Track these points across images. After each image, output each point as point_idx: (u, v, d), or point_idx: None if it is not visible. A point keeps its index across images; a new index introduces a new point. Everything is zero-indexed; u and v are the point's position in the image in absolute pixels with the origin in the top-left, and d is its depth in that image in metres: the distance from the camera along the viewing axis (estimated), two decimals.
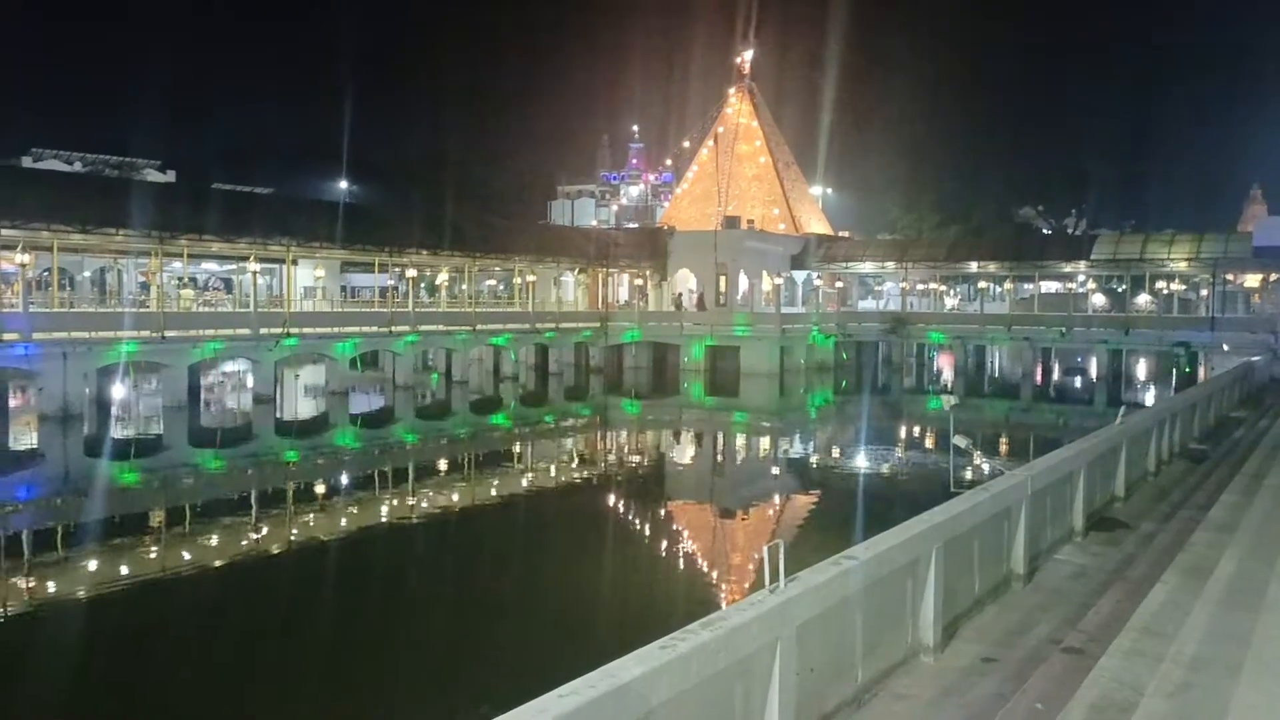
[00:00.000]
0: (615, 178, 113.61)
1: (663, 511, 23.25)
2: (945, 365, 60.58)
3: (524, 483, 26.93)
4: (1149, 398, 45.07)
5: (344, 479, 27.14)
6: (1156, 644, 6.24)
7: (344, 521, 21.37)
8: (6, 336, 30.84)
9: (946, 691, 6.28)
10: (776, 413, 44.16)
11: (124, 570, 17.04)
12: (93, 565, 17.28)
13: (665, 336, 54.65)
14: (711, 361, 52.99)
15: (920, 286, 61.87)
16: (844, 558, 5.67)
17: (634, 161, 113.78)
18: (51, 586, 16.21)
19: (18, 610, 14.85)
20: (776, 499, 25.03)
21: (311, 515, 22.12)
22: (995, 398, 49.47)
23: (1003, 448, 30.88)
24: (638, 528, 21.48)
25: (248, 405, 39.70)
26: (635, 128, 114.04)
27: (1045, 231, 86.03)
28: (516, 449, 33.64)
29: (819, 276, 62.39)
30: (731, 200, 65.89)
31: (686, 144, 72.63)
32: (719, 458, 33.23)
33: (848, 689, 5.83)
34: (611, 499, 24.71)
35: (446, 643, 13.07)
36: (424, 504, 23.66)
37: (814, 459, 31.86)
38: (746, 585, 15.29)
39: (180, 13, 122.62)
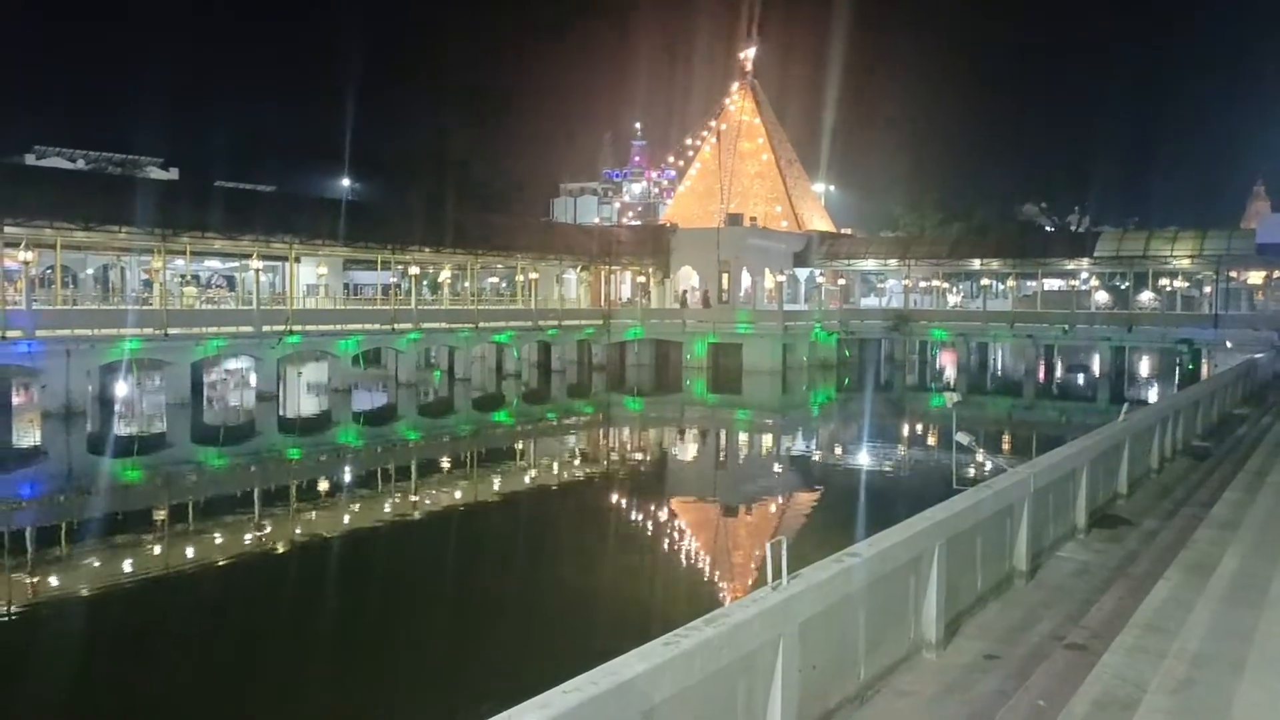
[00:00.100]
0: (618, 175, 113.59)
1: (665, 509, 23.25)
2: (948, 363, 60.51)
3: (527, 480, 26.94)
4: (1152, 395, 45.02)
5: (347, 477, 27.17)
6: (1159, 640, 6.24)
7: (347, 519, 21.38)
8: (10, 334, 30.89)
9: (949, 688, 6.28)
10: (779, 410, 44.16)
11: (127, 567, 17.07)
12: (96, 562, 17.31)
13: (668, 334, 54.64)
14: (714, 359, 52.99)
15: (923, 284, 61.80)
16: (846, 555, 5.67)
17: (636, 159, 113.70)
18: (55, 583, 16.23)
19: (22, 607, 14.88)
20: (779, 496, 25.03)
21: (314, 513, 22.14)
22: (998, 395, 49.43)
23: (1005, 445, 30.88)
24: (640, 525, 21.49)
25: (250, 403, 39.75)
26: (638, 125, 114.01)
27: (1048, 228, 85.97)
28: (519, 446, 33.65)
29: (822, 274, 62.32)
30: (734, 197, 65.85)
31: (689, 141, 72.61)
32: (721, 455, 33.23)
33: (850, 686, 5.83)
34: (614, 496, 24.72)
35: (449, 639, 13.09)
36: (427, 502, 23.69)
37: (816, 456, 31.85)
38: (749, 582, 15.31)
39: (182, 11, 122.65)
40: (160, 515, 21.42)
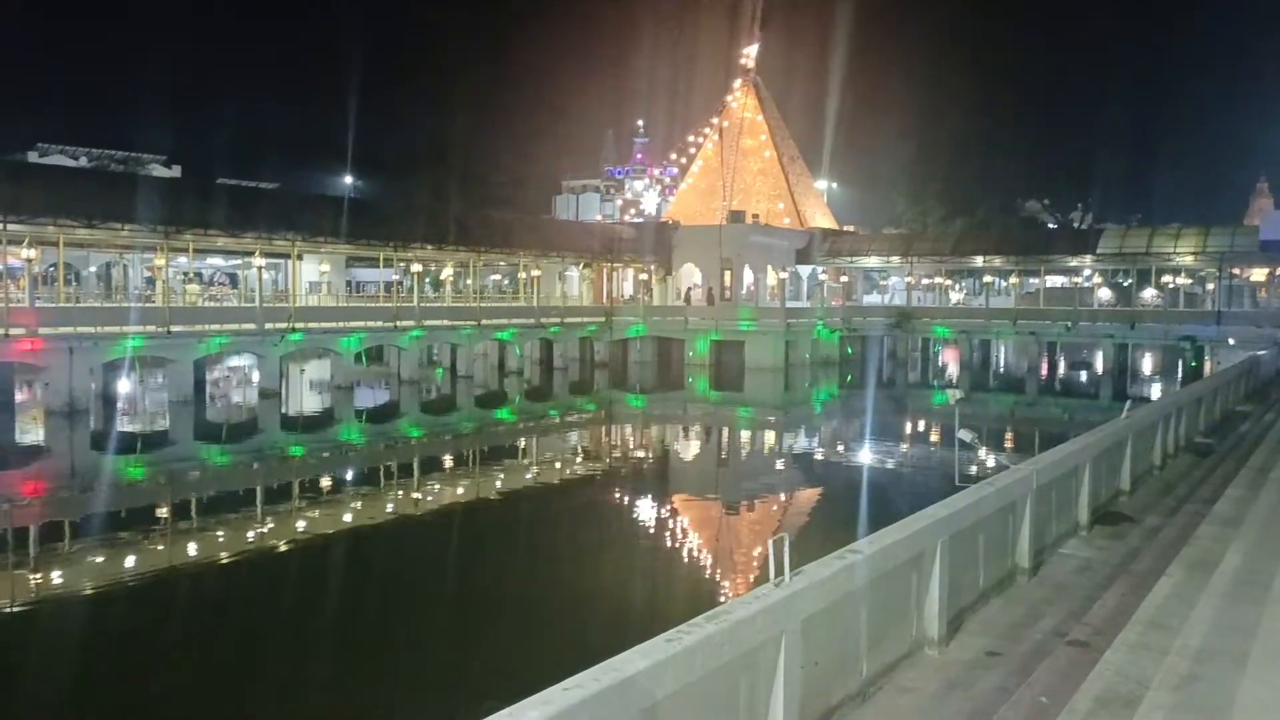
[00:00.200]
0: (620, 172, 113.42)
1: (668, 506, 23.27)
2: (950, 360, 60.52)
3: (529, 477, 26.96)
4: (1155, 392, 44.98)
5: (349, 474, 27.20)
6: (1162, 637, 6.24)
7: (349, 517, 21.40)
8: (13, 331, 30.93)
9: (951, 685, 6.28)
10: (781, 407, 44.15)
11: (130, 565, 17.10)
12: (99, 560, 17.33)
13: (670, 331, 54.62)
14: (716, 356, 52.98)
15: (925, 281, 61.78)
16: (849, 552, 5.67)
17: (639, 156, 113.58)
18: (58, 581, 16.26)
19: (25, 604, 14.91)
20: (781, 493, 25.03)
21: (317, 511, 22.17)
22: (1000, 392, 49.37)
23: (1008, 442, 30.85)
24: (643, 522, 21.51)
25: (253, 400, 39.80)
26: (640, 122, 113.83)
27: (1051, 225, 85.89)
28: (521, 444, 33.66)
29: (824, 271, 62.30)
30: (736, 195, 65.84)
31: (691, 138, 72.55)
32: (723, 452, 33.23)
33: (852, 683, 5.83)
34: (616, 494, 24.73)
35: (451, 636, 13.10)
36: (429, 499, 23.71)
37: (819, 453, 31.85)
38: (751, 579, 15.31)
39: (184, 9, 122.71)
40: (163, 513, 21.46)
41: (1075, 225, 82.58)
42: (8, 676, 11.71)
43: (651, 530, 20.67)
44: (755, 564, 16.46)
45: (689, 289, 59.55)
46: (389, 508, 22.68)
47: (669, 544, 19.72)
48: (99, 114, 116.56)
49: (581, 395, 46.43)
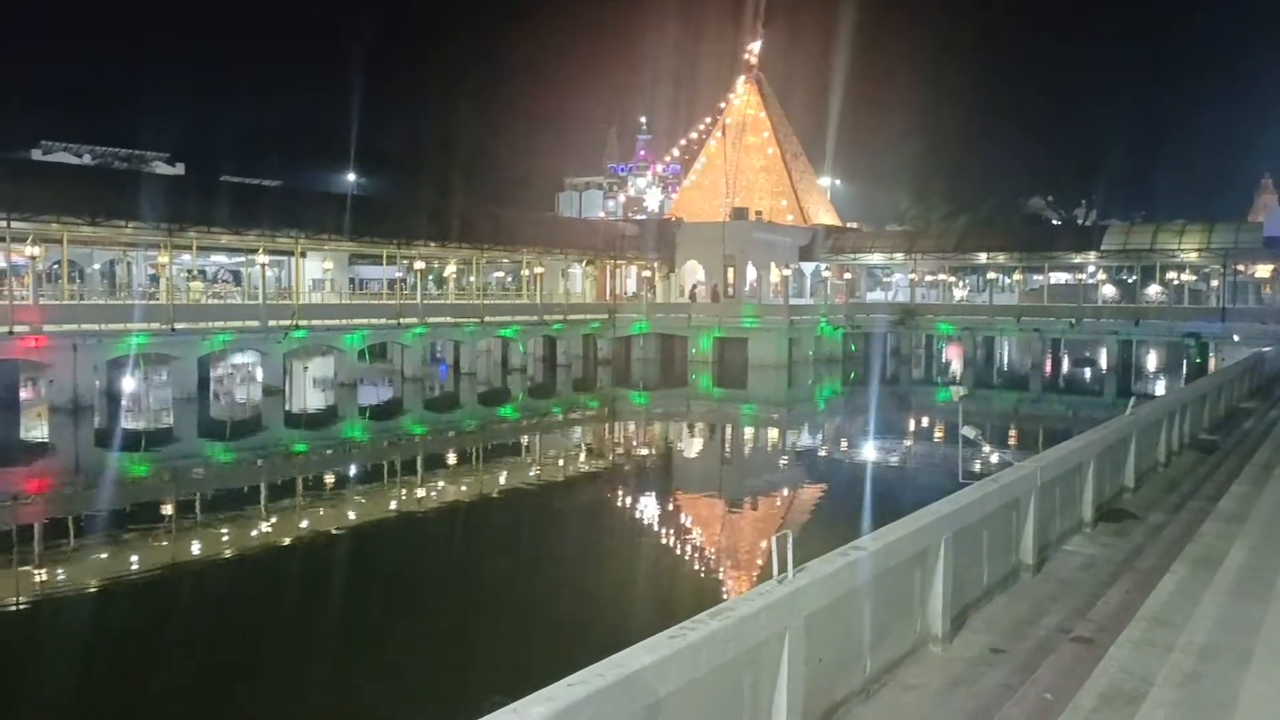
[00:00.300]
0: (623, 169, 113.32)
1: (671, 503, 23.28)
2: (954, 357, 60.47)
3: (532, 474, 26.98)
4: (1159, 389, 44.92)
5: (353, 471, 27.23)
6: (1166, 634, 6.23)
7: (353, 514, 21.44)
8: (17, 329, 30.98)
9: (955, 681, 6.28)
10: (785, 404, 44.14)
11: (133, 561, 17.13)
12: (102, 556, 17.37)
13: (673, 328, 54.61)
14: (719, 353, 52.95)
15: (929, 278, 61.72)
16: (852, 548, 5.66)
17: (642, 153, 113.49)
18: (63, 577, 16.30)
19: (29, 600, 14.95)
20: (785, 490, 25.02)
21: (321, 507, 22.20)
22: (1004, 389, 49.35)
23: (1012, 439, 30.83)
24: (646, 519, 21.52)
25: (257, 397, 39.84)
26: (643, 119, 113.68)
27: (1055, 222, 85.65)
28: (525, 441, 33.69)
29: (827, 268, 62.29)
30: (739, 192, 65.80)
31: (695, 135, 72.49)
32: (727, 449, 33.23)
33: (856, 679, 5.83)
34: (620, 490, 24.74)
35: (455, 632, 13.12)
36: (433, 495, 23.74)
37: (822, 450, 31.85)
38: (755, 575, 15.32)
39: (188, 5, 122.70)
40: (167, 510, 21.49)
41: (1079, 222, 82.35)
42: (14, 673, 11.73)
43: (655, 527, 20.68)
44: (759, 560, 16.47)
45: (694, 286, 59.52)
46: (393, 505, 22.71)
47: (672, 540, 19.72)
48: (102, 111, 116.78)
49: (584, 392, 46.45)
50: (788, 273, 57.08)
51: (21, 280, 37.44)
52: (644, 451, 32.23)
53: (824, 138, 76.45)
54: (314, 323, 40.16)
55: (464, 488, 24.79)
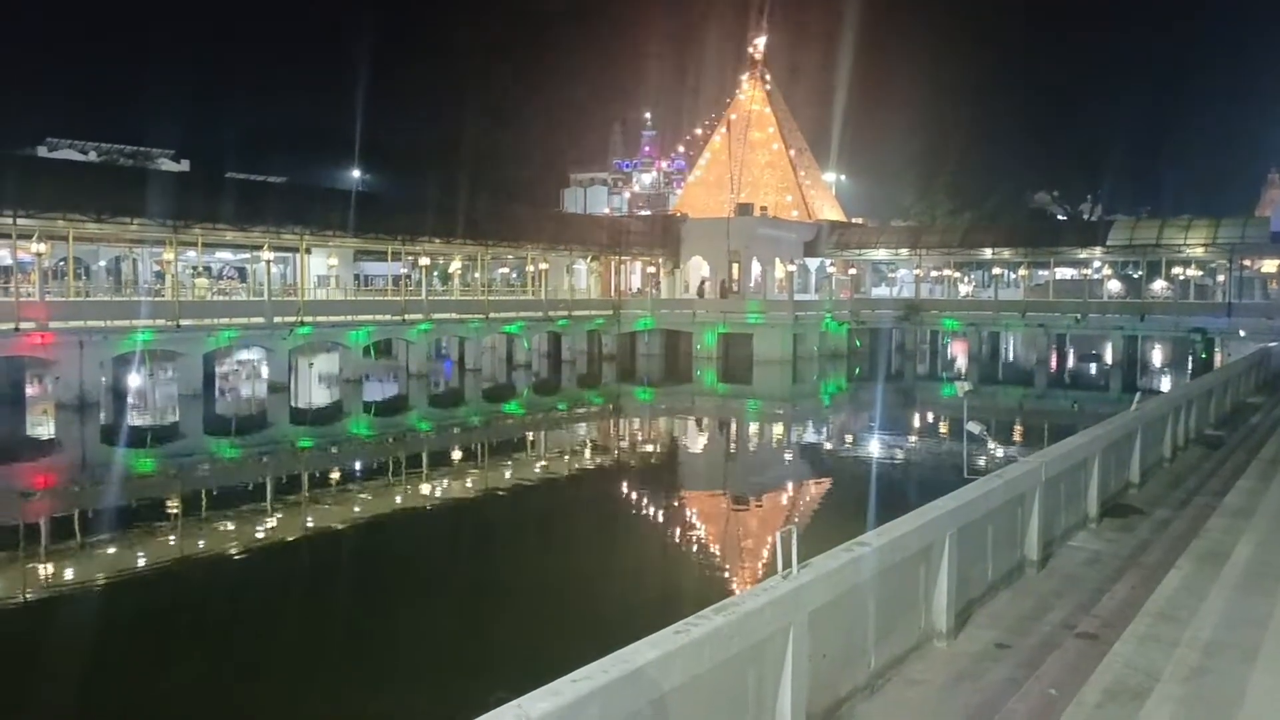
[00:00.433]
0: (628, 165, 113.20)
1: (676, 498, 23.28)
2: (959, 352, 60.36)
3: (537, 470, 27.00)
4: (1165, 384, 44.82)
5: (359, 467, 27.26)
6: (1171, 629, 6.22)
7: (358, 509, 21.47)
8: (23, 325, 31.07)
9: (960, 677, 6.28)
10: (789, 400, 44.12)
11: (139, 557, 17.19)
12: (109, 551, 17.44)
13: (678, 324, 54.60)
14: (724, 349, 52.94)
15: (934, 273, 61.60)
16: (857, 544, 5.66)
17: (647, 149, 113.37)
18: (69, 572, 16.36)
19: (37, 595, 15.01)
20: (790, 485, 25.02)
21: (327, 503, 22.23)
22: (1009, 384, 49.26)
23: (1017, 434, 30.77)
24: (651, 514, 21.53)
25: (262, 393, 39.92)
26: (648, 115, 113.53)
27: (1060, 217, 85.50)
28: (529, 437, 33.71)
29: (832, 263, 62.21)
30: (744, 187, 65.74)
31: (699, 131, 72.40)
32: (732, 445, 33.23)
33: (860, 675, 5.83)
34: (624, 486, 24.76)
35: (460, 627, 13.13)
36: (437, 492, 23.77)
37: (827, 446, 31.83)
38: (760, 571, 15.31)
39: (193, 2, 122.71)
40: (173, 505, 21.53)
41: (1085, 217, 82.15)
42: (20, 666, 11.77)
43: (659, 522, 20.68)
44: (763, 556, 16.47)
45: (701, 281, 59.50)
46: (398, 500, 22.74)
47: (677, 536, 19.73)
48: (108, 108, 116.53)
49: (589, 388, 46.46)
50: (793, 268, 56.99)
51: (28, 277, 37.53)
52: (649, 447, 32.25)
53: (829, 133, 76.34)
54: (319, 319, 40.20)
55: (469, 483, 24.82)
